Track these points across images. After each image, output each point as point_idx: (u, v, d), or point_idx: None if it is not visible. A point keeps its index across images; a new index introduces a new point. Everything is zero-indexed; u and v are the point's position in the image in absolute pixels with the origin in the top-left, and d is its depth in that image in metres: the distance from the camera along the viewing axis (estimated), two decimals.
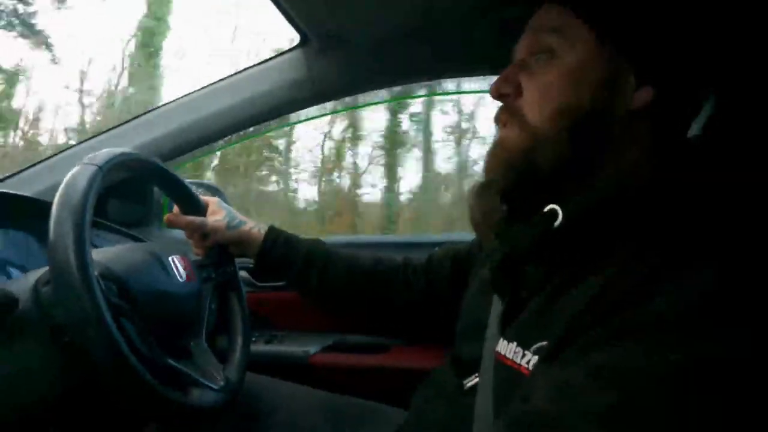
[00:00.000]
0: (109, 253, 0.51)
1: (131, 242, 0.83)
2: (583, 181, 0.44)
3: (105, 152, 0.48)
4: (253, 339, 0.94)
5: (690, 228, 0.38)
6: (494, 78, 0.48)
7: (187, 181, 1.02)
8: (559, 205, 0.42)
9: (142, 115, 0.83)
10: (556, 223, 0.42)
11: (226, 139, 0.85)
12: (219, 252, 0.72)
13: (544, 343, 0.40)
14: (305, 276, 0.73)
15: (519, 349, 0.42)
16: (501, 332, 0.46)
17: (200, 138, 0.82)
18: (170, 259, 0.55)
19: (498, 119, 0.49)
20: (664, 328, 0.33)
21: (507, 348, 0.44)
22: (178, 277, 0.55)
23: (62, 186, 0.44)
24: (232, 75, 0.80)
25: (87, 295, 0.39)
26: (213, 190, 1.04)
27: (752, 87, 0.49)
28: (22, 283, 0.49)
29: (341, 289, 0.74)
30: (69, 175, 0.45)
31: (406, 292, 0.74)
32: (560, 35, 0.44)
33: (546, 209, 0.43)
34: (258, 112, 0.80)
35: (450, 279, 0.71)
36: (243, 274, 0.97)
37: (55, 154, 0.82)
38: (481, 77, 0.81)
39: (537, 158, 0.44)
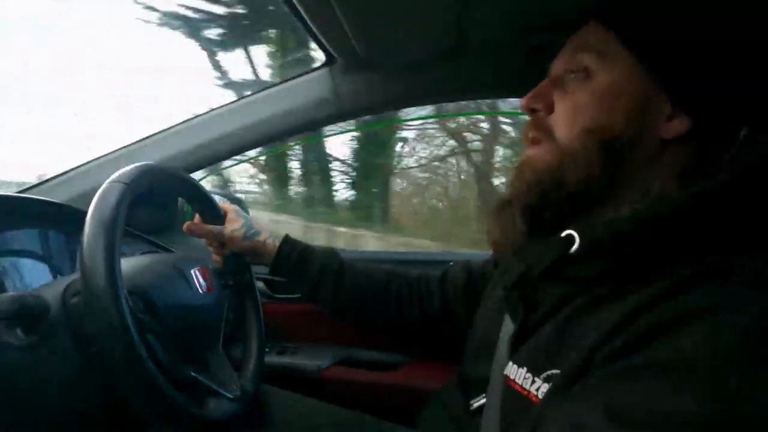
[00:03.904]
0: (135, 267, 0.53)
1: (155, 250, 0.86)
2: (608, 203, 0.44)
3: (132, 169, 0.50)
4: (266, 350, 0.95)
5: (727, 260, 0.36)
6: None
7: (210, 190, 1.05)
8: (577, 230, 0.42)
9: (171, 127, 0.85)
10: (573, 249, 0.42)
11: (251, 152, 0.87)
12: (236, 260, 0.74)
13: (557, 371, 0.39)
14: (318, 289, 0.74)
15: (529, 374, 0.42)
16: (511, 355, 0.45)
17: (227, 151, 0.84)
18: (192, 271, 0.57)
19: (526, 135, 0.49)
20: (696, 368, 0.29)
21: (517, 372, 0.43)
22: (200, 290, 0.57)
23: (93, 204, 0.46)
24: (259, 91, 0.83)
25: (116, 314, 0.41)
26: (235, 200, 1.07)
27: None
28: (53, 290, 0.51)
29: (354, 302, 0.75)
30: (99, 192, 0.47)
31: (419, 309, 0.74)
32: (599, 55, 0.44)
33: (563, 234, 0.43)
34: (283, 128, 0.82)
35: (464, 296, 0.71)
36: (260, 285, 0.98)
37: (87, 163, 0.86)
38: None
39: (563, 176, 0.44)
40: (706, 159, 0.43)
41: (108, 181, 0.48)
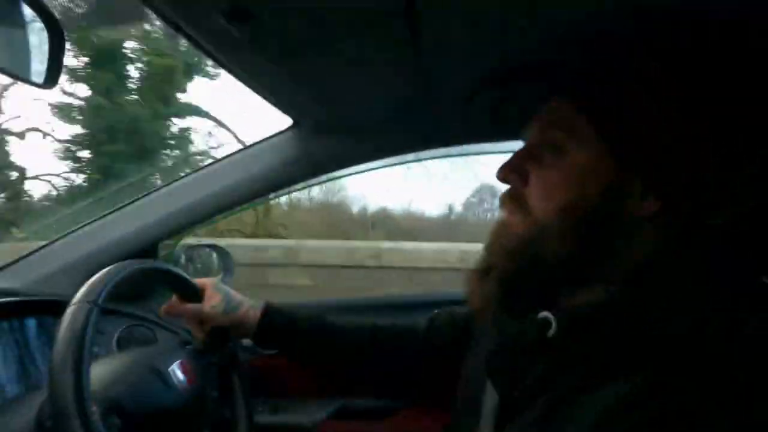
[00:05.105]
0: (107, 377, 0.51)
1: (138, 324, 0.84)
2: (586, 282, 0.43)
3: (98, 283, 0.48)
4: (260, 409, 0.94)
5: (696, 337, 0.36)
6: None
7: (197, 243, 1.04)
8: (553, 313, 0.42)
9: (137, 199, 0.84)
10: (550, 332, 0.42)
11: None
12: (218, 335, 0.72)
13: None
14: (304, 354, 0.75)
15: None
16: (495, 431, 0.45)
17: (195, 219, 0.83)
18: (170, 369, 0.56)
19: (503, 202, 0.48)
20: None
21: None
22: (179, 386, 0.56)
23: (61, 329, 0.45)
24: (227, 156, 0.82)
25: None
26: (221, 253, 1.05)
27: None
28: (26, 412, 0.50)
29: (343, 365, 0.77)
30: (67, 316, 0.46)
31: (407, 362, 0.75)
32: (569, 133, 0.44)
33: (539, 316, 0.43)
34: (252, 191, 0.81)
35: (451, 346, 0.71)
36: (246, 340, 0.97)
37: (51, 243, 0.83)
38: None
39: (539, 250, 0.44)
40: (678, 237, 0.43)
41: (75, 301, 0.47)
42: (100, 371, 0.52)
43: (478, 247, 0.51)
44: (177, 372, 0.56)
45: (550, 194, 0.44)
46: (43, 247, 0.84)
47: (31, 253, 0.84)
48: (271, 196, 0.84)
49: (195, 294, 0.70)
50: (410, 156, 0.84)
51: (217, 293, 0.71)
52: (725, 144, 0.42)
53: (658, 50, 0.44)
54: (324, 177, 0.85)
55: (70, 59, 4.97)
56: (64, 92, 5.00)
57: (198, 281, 0.72)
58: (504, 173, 0.47)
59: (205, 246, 1.03)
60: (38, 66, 0.39)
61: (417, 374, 0.76)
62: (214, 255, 1.03)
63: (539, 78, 0.54)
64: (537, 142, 0.47)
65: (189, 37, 0.53)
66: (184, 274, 0.69)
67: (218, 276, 1.01)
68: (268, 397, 0.96)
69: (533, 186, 0.46)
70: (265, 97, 0.67)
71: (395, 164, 0.87)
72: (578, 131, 0.43)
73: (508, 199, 0.48)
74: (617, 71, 0.44)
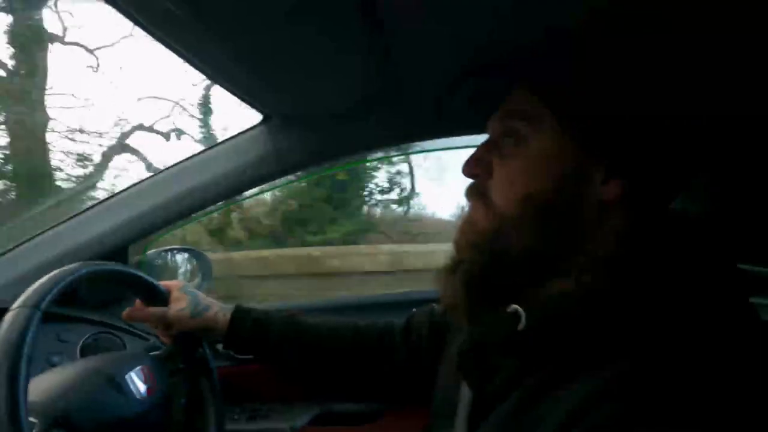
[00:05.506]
0: (56, 388, 0.48)
1: (106, 331, 0.81)
2: (556, 272, 0.42)
3: (40, 288, 0.45)
4: (235, 417, 0.90)
5: (670, 334, 0.35)
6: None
7: (168, 247, 1.00)
8: (523, 306, 0.41)
9: (105, 200, 0.81)
10: (520, 326, 0.40)
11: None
12: (186, 338, 0.69)
13: None
14: (279, 357, 0.72)
15: None
16: (468, 429, 0.44)
17: (167, 219, 0.80)
18: (127, 377, 0.53)
19: (468, 195, 0.48)
20: None
21: None
22: (137, 396, 0.52)
23: None
24: (196, 154, 0.79)
25: None
26: (196, 255, 1.01)
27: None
28: None
29: (319, 366, 0.73)
30: (4, 321, 0.42)
31: (387, 363, 0.72)
32: (529, 121, 0.43)
33: (509, 309, 0.41)
34: (224, 190, 0.78)
35: (428, 346, 0.69)
36: (221, 346, 0.94)
37: (15, 247, 0.80)
38: None
39: (504, 243, 0.43)
40: (646, 220, 0.42)
41: (14, 306, 0.44)
42: (47, 381, 0.49)
43: None
44: (135, 379, 0.53)
45: (511, 185, 0.44)
46: (6, 252, 0.81)
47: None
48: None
49: (160, 297, 0.68)
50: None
51: (183, 296, 0.69)
52: (688, 125, 0.41)
53: (616, 34, 0.43)
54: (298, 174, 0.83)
55: None
56: None
57: (164, 284, 0.69)
58: (469, 168, 0.47)
59: (181, 249, 1.00)
60: None
61: (398, 375, 0.73)
62: (189, 259, 1.00)
63: (502, 69, 0.53)
64: (499, 132, 0.46)
65: (142, 25, 0.50)
66: (147, 277, 0.66)
67: (195, 281, 0.98)
68: (246, 403, 0.93)
69: (495, 177, 0.45)
70: (233, 92, 0.65)
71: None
72: (537, 119, 0.43)
73: (471, 193, 0.47)
74: (574, 56, 0.44)
